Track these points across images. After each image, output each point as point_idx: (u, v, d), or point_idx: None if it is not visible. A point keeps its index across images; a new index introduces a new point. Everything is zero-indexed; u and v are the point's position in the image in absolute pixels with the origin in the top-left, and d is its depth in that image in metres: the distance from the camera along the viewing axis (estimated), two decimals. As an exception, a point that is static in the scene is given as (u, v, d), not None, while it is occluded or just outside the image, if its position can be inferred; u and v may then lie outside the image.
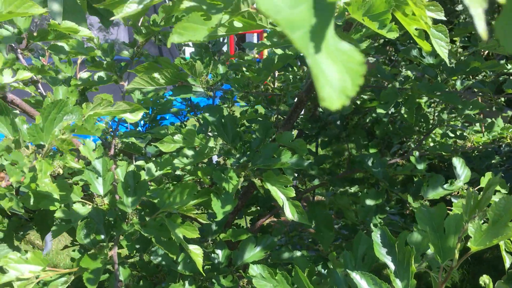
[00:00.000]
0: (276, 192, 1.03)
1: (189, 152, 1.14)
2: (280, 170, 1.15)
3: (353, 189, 1.92)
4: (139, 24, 1.21)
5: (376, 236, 0.86)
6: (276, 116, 1.62)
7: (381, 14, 0.63)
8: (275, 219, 1.80)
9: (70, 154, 0.81)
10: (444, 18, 0.72)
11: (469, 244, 0.71)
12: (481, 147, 1.58)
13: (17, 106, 1.10)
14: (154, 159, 1.53)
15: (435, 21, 0.75)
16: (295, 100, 1.32)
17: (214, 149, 1.17)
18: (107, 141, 1.39)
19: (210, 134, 1.35)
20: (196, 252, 0.98)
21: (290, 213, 1.01)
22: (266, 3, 0.28)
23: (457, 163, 1.47)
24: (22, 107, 1.10)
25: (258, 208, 1.72)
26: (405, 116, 1.24)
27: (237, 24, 0.68)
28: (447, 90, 1.23)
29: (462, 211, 0.73)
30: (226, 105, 1.74)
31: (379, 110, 1.33)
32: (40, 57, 1.46)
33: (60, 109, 0.87)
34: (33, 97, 1.38)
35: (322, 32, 0.30)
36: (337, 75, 0.28)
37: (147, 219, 1.01)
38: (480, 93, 1.31)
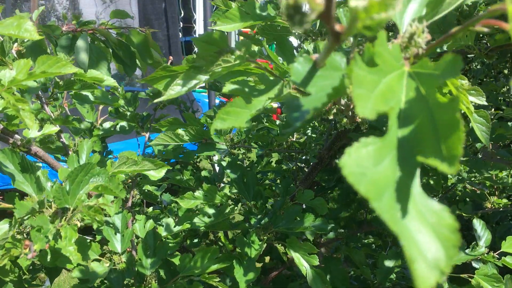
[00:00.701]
0: (300, 260, 1.01)
1: (210, 211, 1.12)
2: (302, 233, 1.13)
3: (366, 241, 1.89)
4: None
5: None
6: (295, 166, 1.61)
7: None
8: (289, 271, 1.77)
9: (98, 222, 0.79)
10: (486, 103, 0.71)
11: None
12: (501, 209, 1.56)
13: (40, 158, 1.09)
14: (173, 205, 1.52)
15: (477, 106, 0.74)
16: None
17: (236, 208, 1.15)
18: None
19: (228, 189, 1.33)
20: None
21: (313, 283, 0.98)
22: (350, 165, 0.27)
23: (478, 225, 1.44)
24: (45, 159, 1.10)
25: (272, 260, 1.69)
26: (431, 182, 1.22)
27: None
28: (472, 156, 1.21)
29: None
30: (242, 151, 1.73)
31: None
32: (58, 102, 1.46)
33: (87, 171, 0.86)
34: (52, 143, 1.38)
35: (408, 188, 0.28)
36: (431, 244, 0.26)
37: (166, 283, 0.98)
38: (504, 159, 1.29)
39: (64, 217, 0.83)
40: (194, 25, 6.76)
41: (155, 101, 0.58)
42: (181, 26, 6.53)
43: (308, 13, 0.27)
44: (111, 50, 1.49)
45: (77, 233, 0.79)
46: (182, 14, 6.79)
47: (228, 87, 0.65)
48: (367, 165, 0.28)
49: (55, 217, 0.87)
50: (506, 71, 1.78)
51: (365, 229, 1.63)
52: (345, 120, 0.63)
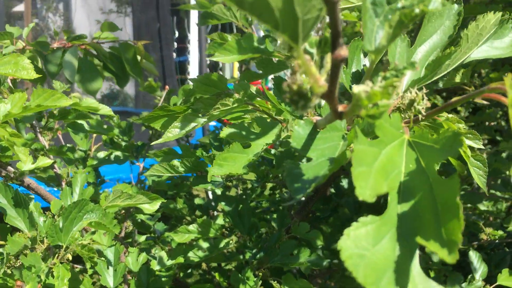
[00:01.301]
0: (295, 297, 1.00)
1: (205, 245, 1.11)
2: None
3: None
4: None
5: None
6: (289, 196, 1.60)
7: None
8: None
9: (91, 261, 0.78)
10: (483, 147, 0.71)
11: None
12: (497, 240, 1.55)
13: (33, 190, 1.08)
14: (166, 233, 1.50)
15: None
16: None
17: (230, 242, 1.14)
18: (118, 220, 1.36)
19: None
20: None
21: (309, 321, 0.97)
22: (348, 247, 0.27)
23: (474, 257, 1.44)
24: (38, 191, 1.08)
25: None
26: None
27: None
28: (469, 189, 1.21)
29: None
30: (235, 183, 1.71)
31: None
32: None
33: (81, 208, 0.85)
34: (45, 172, 1.37)
35: (408, 268, 0.28)
36: None
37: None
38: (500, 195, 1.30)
39: (56, 255, 0.82)
40: (188, 45, 6.79)
41: (152, 143, 0.58)
42: (175, 46, 6.56)
43: (311, 97, 0.27)
44: (102, 63, 1.49)
45: (69, 272, 0.77)
46: (177, 34, 6.83)
47: (225, 131, 0.64)
48: (366, 245, 0.27)
49: (47, 254, 0.86)
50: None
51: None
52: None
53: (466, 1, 1.04)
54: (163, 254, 1.18)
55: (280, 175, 1.30)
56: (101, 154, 1.30)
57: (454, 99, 0.35)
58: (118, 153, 1.30)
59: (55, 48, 1.47)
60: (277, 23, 0.25)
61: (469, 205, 1.63)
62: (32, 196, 1.09)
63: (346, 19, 1.18)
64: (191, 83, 0.74)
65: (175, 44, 6.63)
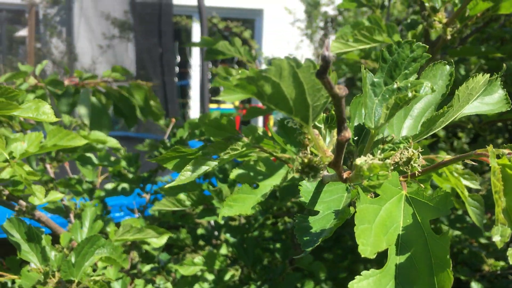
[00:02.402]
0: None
1: (210, 277, 1.13)
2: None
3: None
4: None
5: None
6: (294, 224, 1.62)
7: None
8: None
9: (102, 297, 0.80)
10: (480, 188, 0.74)
11: None
12: (499, 272, 1.57)
13: (43, 223, 1.11)
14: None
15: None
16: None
17: (235, 274, 1.16)
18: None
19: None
20: None
21: None
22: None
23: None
24: (48, 224, 1.11)
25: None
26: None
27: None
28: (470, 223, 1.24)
29: None
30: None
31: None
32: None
33: (93, 243, 0.87)
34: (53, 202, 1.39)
35: None
36: None
37: None
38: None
39: (68, 289, 0.84)
40: (190, 69, 6.87)
41: (165, 187, 0.61)
42: (177, 71, 6.64)
43: (320, 168, 0.31)
44: (112, 103, 1.53)
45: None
46: (178, 59, 6.92)
47: (234, 173, 0.68)
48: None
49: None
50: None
51: None
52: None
53: (464, 40, 1.09)
54: (169, 286, 1.20)
55: (283, 207, 1.33)
56: (109, 186, 1.33)
57: (447, 158, 0.38)
58: (125, 185, 1.33)
59: (65, 86, 1.51)
60: (291, 109, 0.29)
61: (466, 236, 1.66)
62: (43, 229, 1.11)
63: (348, 57, 1.24)
64: (192, 106, 0.78)
65: (177, 69, 6.71)
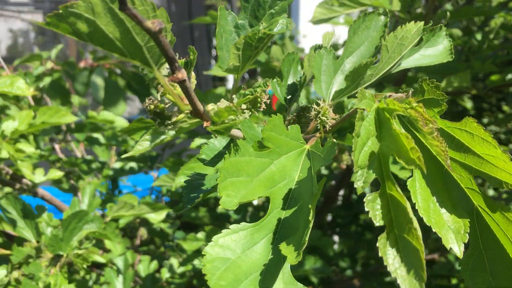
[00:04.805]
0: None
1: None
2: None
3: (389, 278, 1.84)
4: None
5: None
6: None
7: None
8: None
9: (85, 270, 0.81)
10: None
11: None
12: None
13: (47, 201, 1.14)
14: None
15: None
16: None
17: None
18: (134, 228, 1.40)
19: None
20: None
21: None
22: (213, 253, 0.28)
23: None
24: (52, 202, 1.14)
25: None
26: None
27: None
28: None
29: None
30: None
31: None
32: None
33: (81, 219, 0.88)
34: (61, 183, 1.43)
35: (277, 272, 0.29)
36: None
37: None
38: None
39: (58, 264, 0.86)
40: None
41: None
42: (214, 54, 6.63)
43: (169, 115, 0.28)
44: (126, 82, 1.55)
45: (67, 281, 0.81)
46: (214, 42, 6.90)
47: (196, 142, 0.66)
48: (234, 250, 0.28)
49: (52, 263, 0.90)
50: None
51: (383, 268, 1.58)
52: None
53: (470, 2, 1.01)
54: (174, 261, 1.21)
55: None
56: (117, 165, 1.35)
57: (347, 113, 0.35)
58: (133, 164, 1.34)
59: (82, 68, 1.54)
60: (123, 51, 0.27)
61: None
62: (46, 207, 1.14)
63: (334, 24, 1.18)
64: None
65: (213, 52, 6.71)
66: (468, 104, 1.64)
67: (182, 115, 0.30)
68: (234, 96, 0.31)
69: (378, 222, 0.27)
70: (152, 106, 0.29)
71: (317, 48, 0.44)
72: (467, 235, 0.30)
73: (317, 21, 0.88)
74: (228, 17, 0.36)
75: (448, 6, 1.03)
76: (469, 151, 0.31)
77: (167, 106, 0.31)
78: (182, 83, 0.27)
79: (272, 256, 0.29)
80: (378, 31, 0.43)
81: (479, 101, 1.57)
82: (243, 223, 0.30)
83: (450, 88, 0.93)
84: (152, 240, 1.54)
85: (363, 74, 0.39)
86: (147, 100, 0.31)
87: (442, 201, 0.31)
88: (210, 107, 0.28)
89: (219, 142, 0.39)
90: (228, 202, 0.29)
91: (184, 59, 0.32)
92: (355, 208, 1.74)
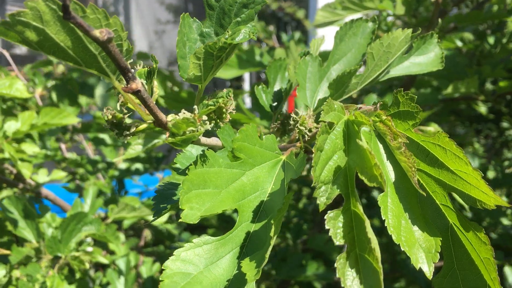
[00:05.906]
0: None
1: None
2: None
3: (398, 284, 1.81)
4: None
5: None
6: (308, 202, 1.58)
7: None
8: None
9: (81, 272, 0.81)
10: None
11: None
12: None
13: (52, 201, 1.14)
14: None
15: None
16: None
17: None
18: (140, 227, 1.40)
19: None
20: None
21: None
22: (173, 268, 0.27)
23: (510, 273, 1.38)
24: (56, 202, 1.14)
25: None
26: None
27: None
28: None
29: None
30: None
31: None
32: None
33: (80, 220, 0.88)
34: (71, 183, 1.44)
35: (242, 286, 0.28)
36: None
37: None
38: None
39: (56, 266, 0.86)
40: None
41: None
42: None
43: (127, 126, 0.28)
44: None
45: (64, 282, 0.81)
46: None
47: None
48: (197, 265, 0.27)
49: (51, 265, 0.90)
50: None
51: (389, 274, 1.56)
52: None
53: (480, 6, 0.98)
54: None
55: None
56: (123, 166, 1.35)
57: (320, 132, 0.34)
58: (138, 165, 1.34)
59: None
60: (76, 60, 0.26)
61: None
62: (49, 207, 1.15)
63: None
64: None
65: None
66: (482, 108, 1.60)
67: (144, 125, 0.29)
68: (195, 106, 0.30)
69: (338, 241, 0.26)
70: (109, 116, 0.29)
71: (303, 55, 0.43)
72: (438, 254, 0.29)
73: (320, 25, 0.87)
74: (192, 25, 0.35)
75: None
76: (443, 167, 0.30)
77: (126, 116, 0.30)
78: (137, 93, 0.26)
79: (237, 271, 0.28)
80: (366, 38, 0.41)
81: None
82: (207, 237, 0.29)
83: (457, 94, 0.91)
84: (161, 241, 1.54)
85: (347, 82, 0.37)
86: (105, 110, 0.30)
87: (415, 218, 0.30)
88: (170, 118, 0.27)
89: (196, 150, 0.38)
90: (190, 215, 0.28)
91: (147, 67, 0.31)
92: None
